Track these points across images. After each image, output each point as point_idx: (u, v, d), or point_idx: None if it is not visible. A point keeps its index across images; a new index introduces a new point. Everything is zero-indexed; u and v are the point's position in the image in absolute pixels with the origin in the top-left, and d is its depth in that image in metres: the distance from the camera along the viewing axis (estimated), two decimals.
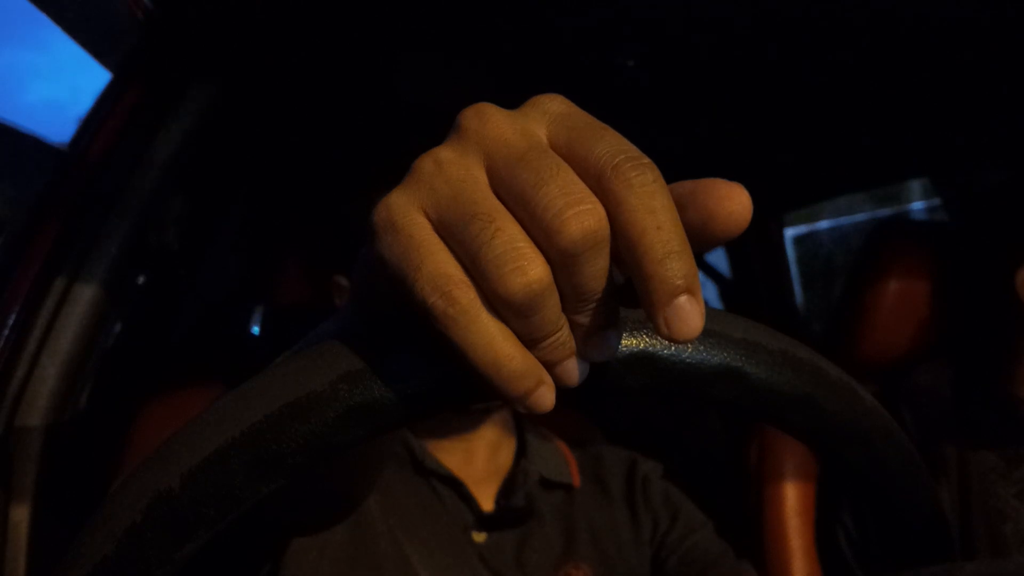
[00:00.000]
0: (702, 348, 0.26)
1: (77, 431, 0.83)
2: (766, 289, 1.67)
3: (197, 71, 0.86)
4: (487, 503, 0.74)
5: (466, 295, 0.22)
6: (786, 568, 0.94)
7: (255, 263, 1.39)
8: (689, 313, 0.21)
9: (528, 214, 0.22)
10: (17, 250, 0.77)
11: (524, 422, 0.81)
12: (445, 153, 0.24)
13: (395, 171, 0.26)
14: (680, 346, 0.26)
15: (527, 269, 0.21)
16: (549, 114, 0.24)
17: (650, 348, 0.25)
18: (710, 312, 0.27)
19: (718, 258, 1.95)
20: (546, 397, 0.23)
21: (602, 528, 0.76)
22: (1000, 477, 0.85)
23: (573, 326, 0.23)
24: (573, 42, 0.87)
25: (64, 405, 0.80)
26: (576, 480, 0.78)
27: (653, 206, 0.21)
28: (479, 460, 0.75)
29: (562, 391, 0.24)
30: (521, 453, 0.77)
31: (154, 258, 1.17)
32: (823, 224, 4.31)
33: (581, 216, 0.21)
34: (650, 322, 0.22)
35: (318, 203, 1.28)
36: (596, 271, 0.22)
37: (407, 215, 0.23)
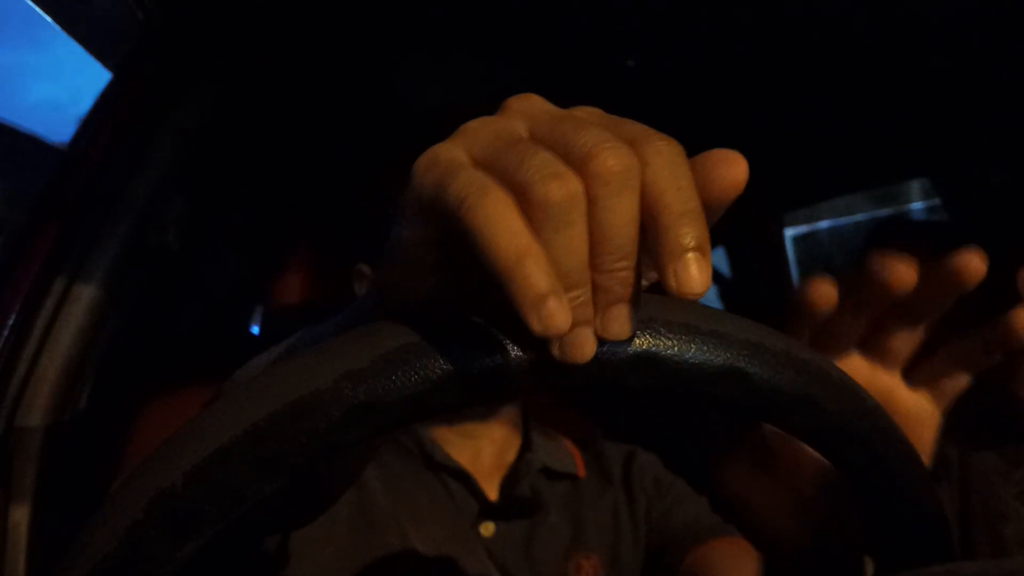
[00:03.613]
0: (705, 348, 0.26)
1: (77, 431, 0.82)
2: (766, 289, 1.67)
3: (197, 71, 0.86)
4: (494, 495, 0.74)
5: (501, 192, 0.23)
6: None
7: (255, 263, 1.38)
8: (698, 270, 0.22)
9: (566, 151, 0.23)
10: (17, 250, 0.77)
11: (530, 421, 0.81)
12: (489, 118, 0.26)
13: (405, 161, 0.27)
14: (683, 346, 0.26)
15: (566, 178, 0.22)
16: (581, 109, 0.26)
17: (653, 348, 0.25)
18: (712, 312, 0.27)
19: (718, 258, 1.95)
20: (558, 315, 0.22)
21: (606, 517, 0.77)
22: (1001, 478, 0.85)
23: (595, 290, 0.23)
24: (574, 41, 0.87)
25: (64, 405, 0.80)
26: (581, 471, 0.79)
27: (676, 171, 0.23)
28: (486, 457, 0.76)
29: (563, 393, 0.24)
30: (526, 448, 0.78)
31: (154, 258, 1.17)
32: (823, 224, 4.32)
33: (617, 150, 0.23)
34: (660, 289, 0.22)
35: (329, 197, 1.27)
36: (624, 209, 0.22)
37: (450, 153, 0.24)
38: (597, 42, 0.88)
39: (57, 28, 0.83)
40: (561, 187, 0.22)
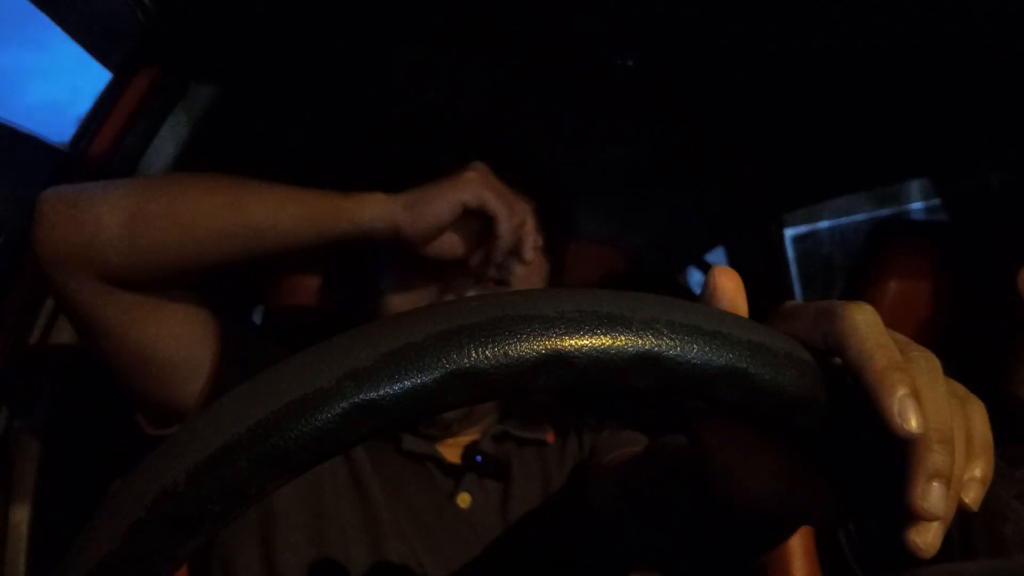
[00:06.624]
0: (708, 349, 0.26)
1: (77, 431, 0.82)
2: (766, 289, 1.67)
3: (197, 71, 0.86)
4: (459, 461, 0.76)
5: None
6: (786, 568, 0.94)
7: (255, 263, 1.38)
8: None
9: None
10: (17, 250, 0.77)
11: (511, 419, 0.82)
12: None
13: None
14: (686, 347, 0.26)
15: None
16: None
17: (656, 348, 0.25)
18: (714, 312, 0.27)
19: (718, 259, 1.95)
20: None
21: (567, 480, 0.78)
22: (1000, 478, 0.85)
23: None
24: (574, 42, 0.87)
25: (64, 405, 0.80)
26: (551, 439, 0.81)
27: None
28: (462, 442, 0.78)
29: (564, 392, 0.24)
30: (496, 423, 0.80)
31: None
32: (823, 224, 4.32)
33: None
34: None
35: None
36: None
37: None
38: (596, 42, 0.88)
39: (57, 28, 0.83)
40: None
